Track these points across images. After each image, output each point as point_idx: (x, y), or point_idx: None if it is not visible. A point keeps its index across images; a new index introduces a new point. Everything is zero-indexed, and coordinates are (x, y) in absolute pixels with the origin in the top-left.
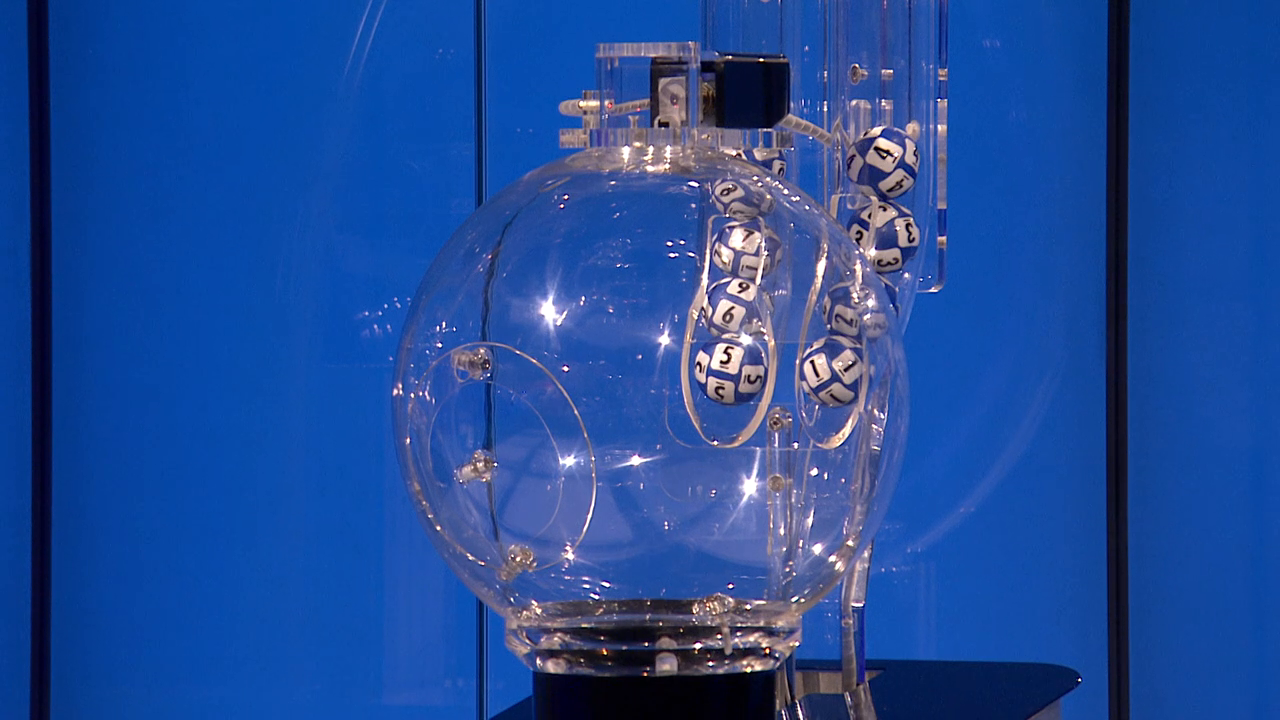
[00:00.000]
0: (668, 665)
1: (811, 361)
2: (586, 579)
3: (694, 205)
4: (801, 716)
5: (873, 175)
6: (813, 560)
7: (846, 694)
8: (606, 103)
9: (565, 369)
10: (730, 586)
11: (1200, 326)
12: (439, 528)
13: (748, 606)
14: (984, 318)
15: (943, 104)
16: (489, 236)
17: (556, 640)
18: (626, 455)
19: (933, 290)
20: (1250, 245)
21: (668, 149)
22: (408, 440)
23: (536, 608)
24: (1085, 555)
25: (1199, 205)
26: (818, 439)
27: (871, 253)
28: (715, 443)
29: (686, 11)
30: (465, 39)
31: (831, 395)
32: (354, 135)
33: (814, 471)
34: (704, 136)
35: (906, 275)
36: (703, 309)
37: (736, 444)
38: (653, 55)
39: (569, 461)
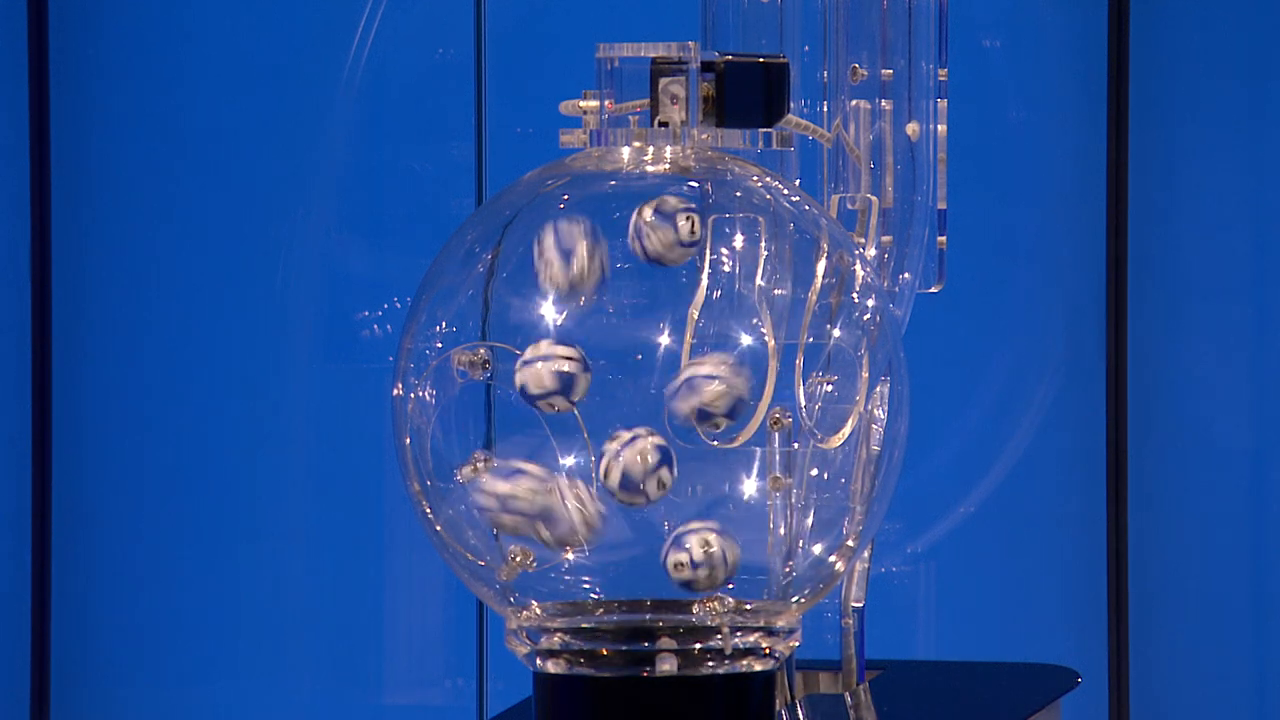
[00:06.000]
0: (668, 665)
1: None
2: (586, 579)
3: (694, 205)
4: (801, 716)
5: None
6: (813, 560)
7: (846, 694)
8: (606, 103)
9: (565, 369)
10: (730, 586)
11: (1200, 326)
12: (439, 528)
13: (748, 606)
14: (984, 318)
15: (943, 104)
16: (489, 236)
17: (556, 640)
18: None
19: (933, 290)
20: (1250, 245)
21: (668, 149)
22: (408, 440)
23: (536, 608)
24: (1085, 555)
25: (1199, 205)
26: (818, 439)
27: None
28: (715, 443)
29: (686, 11)
30: (465, 39)
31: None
32: (354, 135)
33: (814, 471)
34: (704, 136)
35: (906, 275)
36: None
37: (736, 444)
38: (653, 55)
39: (569, 461)
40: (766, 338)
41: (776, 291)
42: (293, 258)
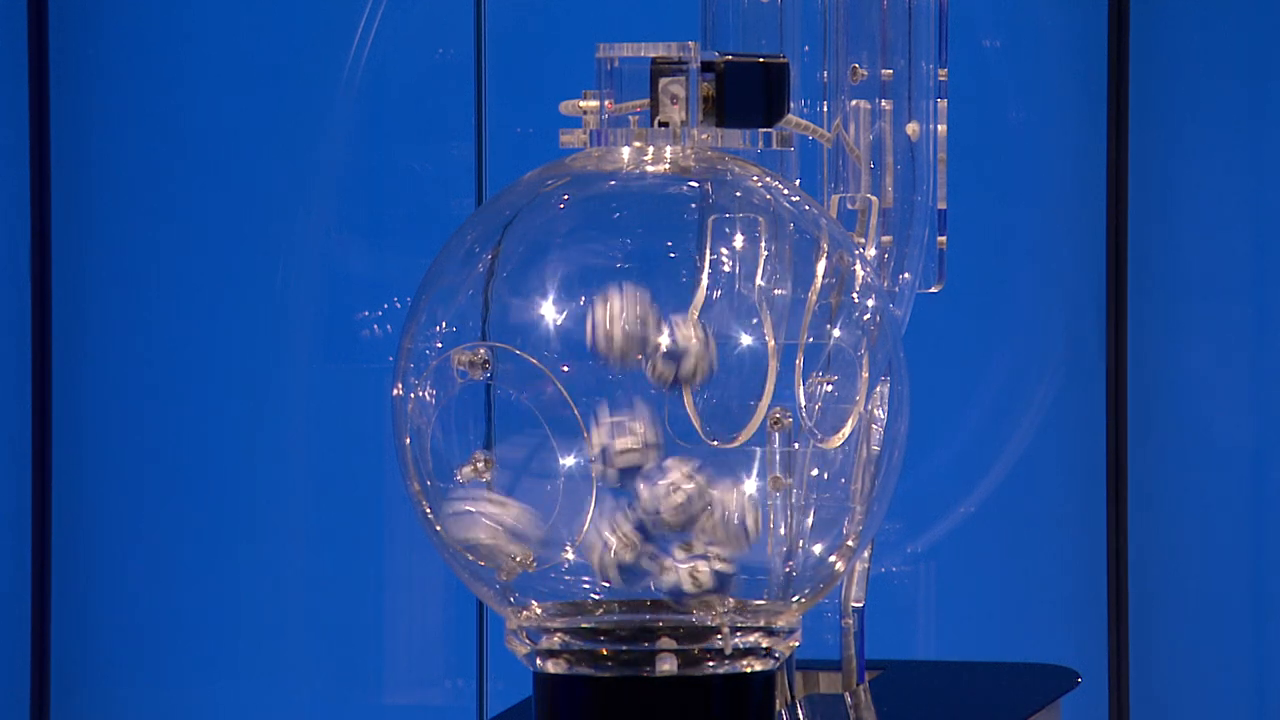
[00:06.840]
0: (668, 665)
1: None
2: (586, 579)
3: (694, 205)
4: (801, 716)
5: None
6: (813, 560)
7: (846, 694)
8: (606, 103)
9: (565, 369)
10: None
11: (1200, 326)
12: (439, 528)
13: (748, 606)
14: (984, 318)
15: (943, 104)
16: (489, 236)
17: (556, 640)
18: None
19: (933, 290)
20: (1250, 244)
21: (668, 149)
22: (408, 440)
23: (536, 608)
24: (1085, 555)
25: (1199, 205)
26: (818, 439)
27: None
28: (715, 443)
29: (686, 11)
30: (465, 39)
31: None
32: (354, 135)
33: (814, 471)
34: (704, 136)
35: (906, 275)
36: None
37: (736, 444)
38: (653, 55)
39: (569, 461)
40: (766, 338)
41: (776, 291)
42: (293, 258)
